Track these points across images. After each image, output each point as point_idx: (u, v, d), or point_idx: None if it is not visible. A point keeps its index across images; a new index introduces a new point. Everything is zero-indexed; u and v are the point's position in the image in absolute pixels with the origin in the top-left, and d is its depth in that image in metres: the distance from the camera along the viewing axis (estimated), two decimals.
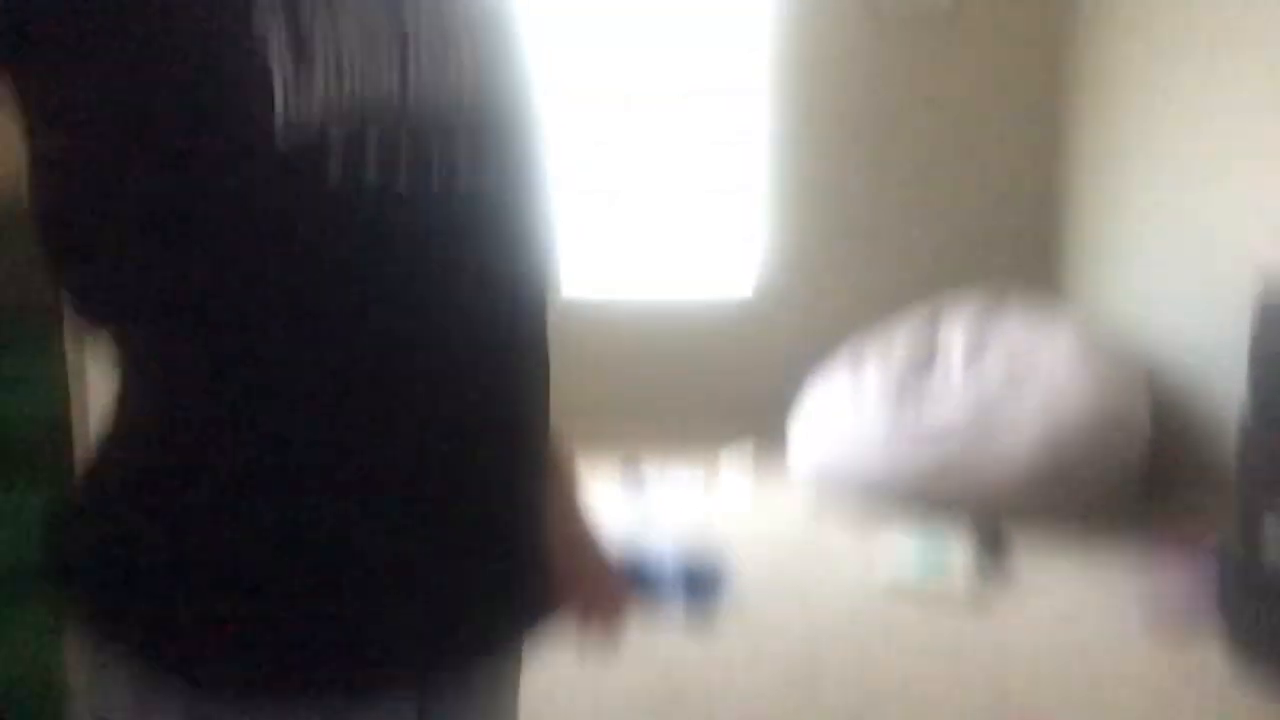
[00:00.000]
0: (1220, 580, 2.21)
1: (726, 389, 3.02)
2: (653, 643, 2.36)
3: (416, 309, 0.63)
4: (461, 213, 0.63)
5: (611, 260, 3.07)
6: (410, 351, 0.63)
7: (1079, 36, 3.20)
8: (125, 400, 0.65)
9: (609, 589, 0.86)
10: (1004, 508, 2.67)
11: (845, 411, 2.80)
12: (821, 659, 2.30)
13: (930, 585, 2.55)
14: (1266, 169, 2.44)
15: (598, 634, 0.85)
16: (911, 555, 2.64)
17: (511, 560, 0.72)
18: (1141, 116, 2.93)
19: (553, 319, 0.75)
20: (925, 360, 2.80)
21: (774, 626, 2.46)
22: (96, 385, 1.40)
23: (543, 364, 0.74)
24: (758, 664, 2.30)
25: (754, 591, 2.59)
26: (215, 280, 0.58)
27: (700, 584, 2.54)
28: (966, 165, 3.26)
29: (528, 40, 0.77)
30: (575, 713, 2.11)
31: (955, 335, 2.79)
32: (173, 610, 0.62)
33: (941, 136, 3.25)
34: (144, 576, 0.62)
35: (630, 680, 2.20)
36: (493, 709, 0.76)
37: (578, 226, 3.04)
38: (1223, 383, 2.48)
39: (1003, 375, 2.67)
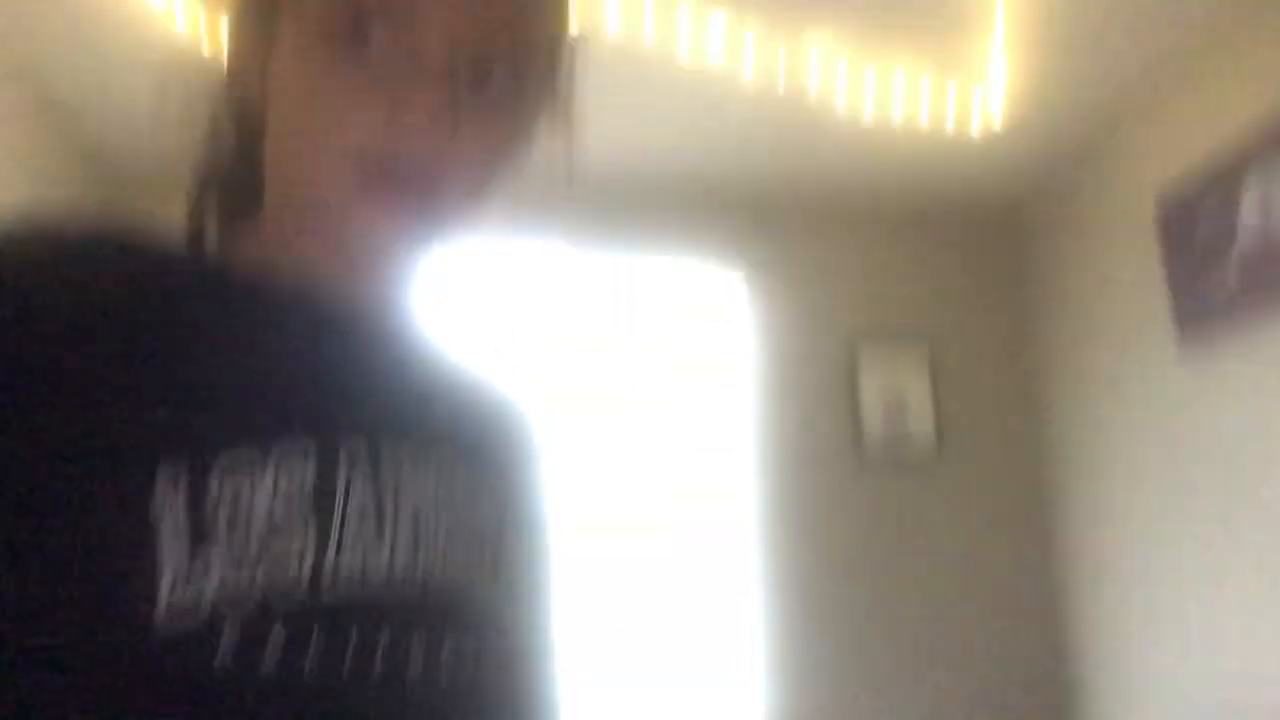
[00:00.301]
0: None
1: None
2: None
3: None
4: (399, 705, 0.54)
5: None
6: None
7: (1069, 484, 3.15)
8: None
9: None
10: None
11: None
12: None
13: None
14: (1271, 621, 2.37)
15: None
16: None
17: None
18: (1140, 569, 2.85)
19: None
20: None
21: None
22: None
23: None
24: None
25: None
26: None
27: None
28: (965, 610, 3.19)
29: (514, 510, 0.69)
30: None
31: None
32: None
33: (936, 580, 3.19)
34: None
35: None
36: None
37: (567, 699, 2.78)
38: None
39: None
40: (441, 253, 0.69)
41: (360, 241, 0.63)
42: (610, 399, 3.21)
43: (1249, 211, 2.42)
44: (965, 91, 2.86)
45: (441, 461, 0.61)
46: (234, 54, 0.67)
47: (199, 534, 0.50)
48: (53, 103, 2.84)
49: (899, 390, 3.28)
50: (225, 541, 0.50)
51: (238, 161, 0.70)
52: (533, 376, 3.12)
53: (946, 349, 3.36)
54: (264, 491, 0.51)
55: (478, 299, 3.15)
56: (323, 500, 0.53)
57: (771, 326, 3.32)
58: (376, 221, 0.60)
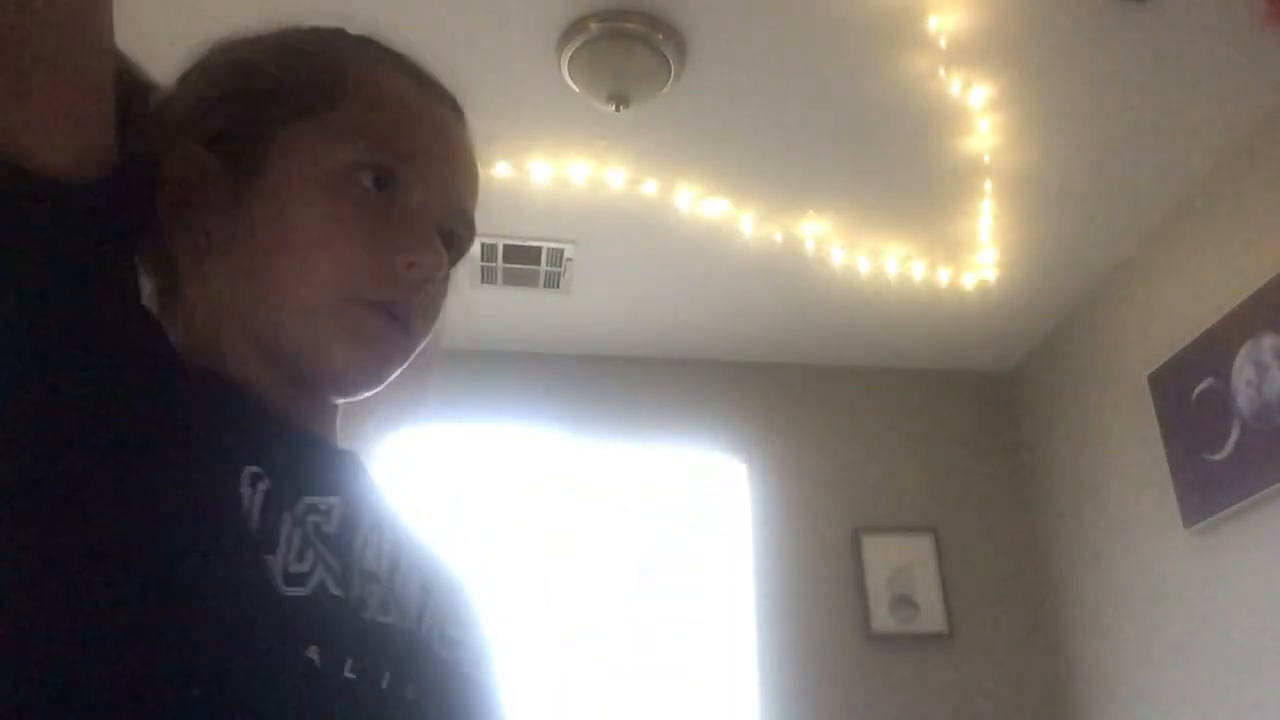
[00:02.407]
0: None
1: None
2: None
3: None
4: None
5: None
6: None
7: (1079, 661, 3.14)
8: None
9: None
10: None
11: None
12: None
13: None
14: None
15: None
16: None
17: None
18: None
19: None
20: None
21: None
22: None
23: None
24: None
25: None
26: None
27: None
28: None
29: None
30: None
31: None
32: None
33: None
34: None
35: None
36: None
37: None
38: None
39: None
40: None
41: (318, 391, 0.68)
42: (613, 583, 3.16)
43: (1242, 384, 2.46)
44: (957, 268, 2.97)
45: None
46: (190, 180, 0.68)
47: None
48: None
49: (905, 575, 3.24)
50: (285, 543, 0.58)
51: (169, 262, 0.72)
52: (527, 575, 3.08)
53: (950, 532, 3.33)
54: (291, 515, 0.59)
55: (466, 484, 3.15)
56: (343, 549, 0.61)
57: (774, 514, 3.30)
58: (361, 360, 0.66)
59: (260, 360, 0.66)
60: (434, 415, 0.82)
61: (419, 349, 0.70)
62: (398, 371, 0.69)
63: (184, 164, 0.68)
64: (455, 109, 0.75)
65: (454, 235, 0.72)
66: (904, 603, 3.20)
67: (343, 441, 0.73)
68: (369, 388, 0.68)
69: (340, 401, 0.71)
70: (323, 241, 0.65)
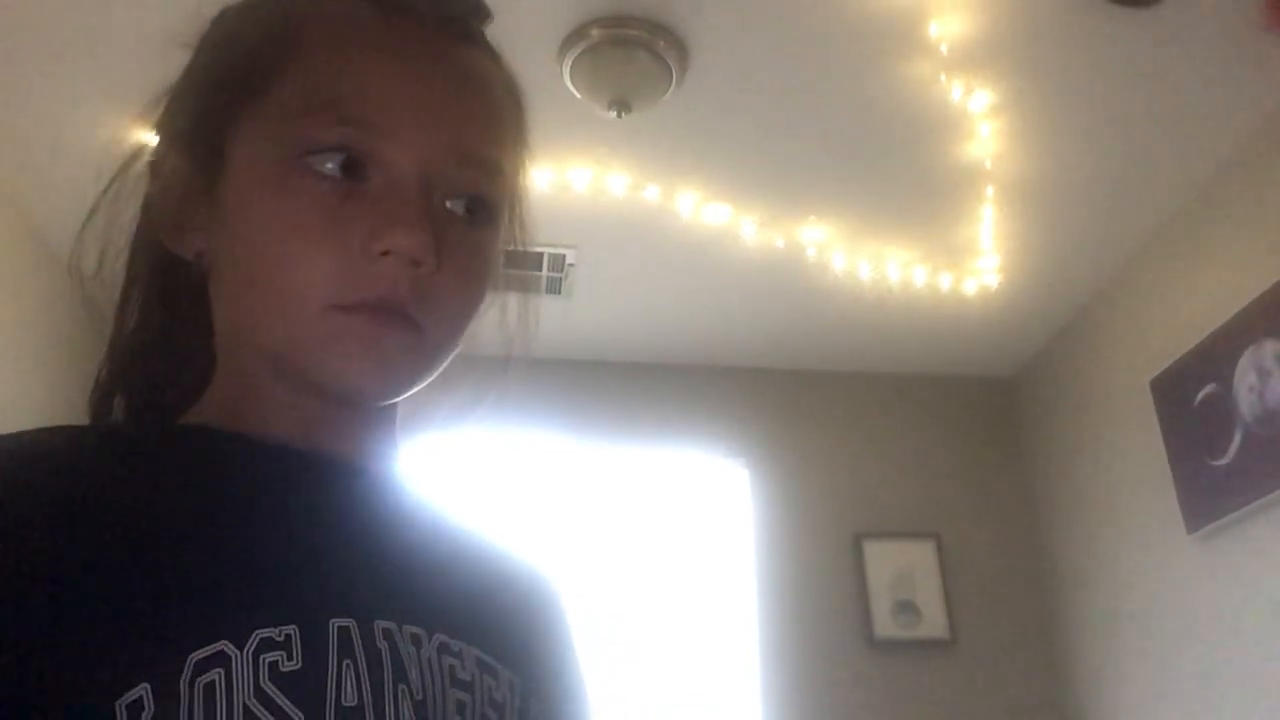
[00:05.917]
0: None
1: None
2: None
3: None
4: None
5: None
6: None
7: (1082, 665, 3.13)
8: None
9: None
10: None
11: None
12: None
13: None
14: None
15: None
16: None
17: None
18: None
19: None
20: None
21: None
22: None
23: None
24: None
25: None
26: None
27: None
28: None
29: None
30: None
31: None
32: None
33: None
34: None
35: None
36: None
37: None
38: None
39: None
40: (425, 422, 0.68)
41: (337, 402, 0.59)
42: (614, 589, 3.16)
43: (1244, 390, 2.46)
44: (959, 273, 2.96)
45: (450, 638, 0.55)
46: (169, 196, 0.62)
47: None
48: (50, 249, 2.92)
49: (908, 581, 3.23)
50: None
51: (167, 326, 0.65)
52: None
53: (952, 538, 3.33)
54: (242, 689, 0.45)
55: (479, 488, 3.15)
56: (311, 691, 0.47)
57: (775, 519, 3.29)
58: (361, 370, 0.56)
59: (277, 381, 0.59)
60: (493, 416, 0.73)
61: (445, 344, 0.60)
62: (423, 371, 0.59)
63: (163, 177, 0.61)
64: (441, 23, 0.61)
65: (457, 186, 0.59)
66: (906, 608, 3.19)
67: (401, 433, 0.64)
68: (389, 395, 0.59)
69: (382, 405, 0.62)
70: (282, 252, 0.55)
